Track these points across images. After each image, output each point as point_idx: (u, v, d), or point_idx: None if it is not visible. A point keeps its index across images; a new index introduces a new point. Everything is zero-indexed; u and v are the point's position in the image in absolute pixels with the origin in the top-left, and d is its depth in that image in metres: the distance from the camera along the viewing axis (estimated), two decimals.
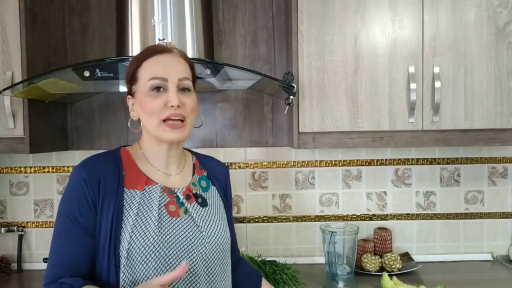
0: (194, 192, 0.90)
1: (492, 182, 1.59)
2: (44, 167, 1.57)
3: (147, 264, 0.77)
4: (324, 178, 1.59)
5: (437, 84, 1.25)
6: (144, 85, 0.82)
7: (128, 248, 0.77)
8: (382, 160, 1.59)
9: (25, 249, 1.56)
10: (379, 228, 1.55)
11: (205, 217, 0.87)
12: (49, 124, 1.43)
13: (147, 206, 0.82)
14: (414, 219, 1.59)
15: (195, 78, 0.89)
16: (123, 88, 1.39)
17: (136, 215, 0.80)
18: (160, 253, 0.78)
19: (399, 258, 1.43)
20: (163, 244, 0.79)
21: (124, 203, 0.80)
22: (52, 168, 1.58)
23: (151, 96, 0.82)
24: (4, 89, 1.15)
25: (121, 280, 0.77)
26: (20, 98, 1.26)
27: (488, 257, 1.57)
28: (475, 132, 1.29)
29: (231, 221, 1.00)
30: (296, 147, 1.30)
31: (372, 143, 1.30)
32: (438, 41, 1.27)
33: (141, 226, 0.79)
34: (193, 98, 0.86)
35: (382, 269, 1.42)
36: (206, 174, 0.96)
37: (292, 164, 1.58)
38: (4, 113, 1.25)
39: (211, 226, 0.87)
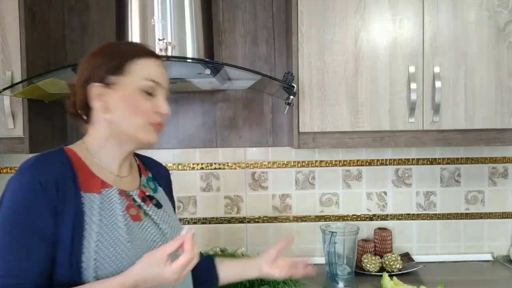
0: (147, 194, 0.85)
1: (492, 182, 1.59)
2: None
3: (118, 273, 0.70)
4: (324, 178, 1.58)
5: (438, 84, 1.25)
6: (135, 82, 0.77)
7: (96, 259, 0.69)
8: (382, 160, 1.59)
9: None
10: (379, 228, 1.55)
11: (164, 218, 0.84)
12: (49, 124, 1.43)
13: (110, 211, 0.75)
14: (415, 219, 1.59)
15: None
16: None
17: (99, 222, 0.72)
18: (133, 260, 0.71)
19: (399, 258, 1.43)
20: (135, 250, 0.73)
21: (84, 209, 0.72)
22: None
23: (143, 96, 0.77)
24: (4, 89, 1.15)
25: None
26: (20, 98, 1.26)
27: (489, 257, 1.57)
28: (476, 132, 1.29)
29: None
30: (296, 147, 1.30)
31: (373, 143, 1.30)
32: (439, 41, 1.26)
33: (108, 234, 0.72)
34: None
35: (382, 269, 1.41)
36: (151, 176, 0.92)
37: (292, 164, 1.58)
38: (4, 113, 1.25)
39: (171, 226, 0.84)
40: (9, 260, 0.68)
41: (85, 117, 0.81)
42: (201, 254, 0.99)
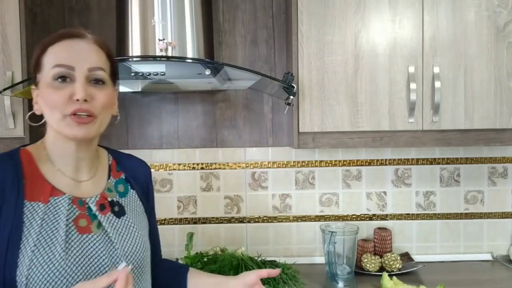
0: (109, 199, 0.78)
1: (492, 182, 1.59)
2: None
3: None
4: (324, 178, 1.59)
5: (437, 84, 1.25)
6: (47, 74, 0.70)
7: (28, 276, 0.64)
8: (382, 160, 1.59)
9: None
10: (379, 228, 1.55)
11: (121, 229, 0.76)
12: None
13: (52, 223, 0.69)
14: (414, 219, 1.59)
15: (114, 70, 0.78)
16: (122, 88, 1.40)
17: (38, 235, 0.66)
18: (68, 279, 0.66)
19: (399, 258, 1.43)
20: (71, 268, 0.67)
21: (24, 219, 0.67)
22: None
23: (54, 87, 0.69)
24: (4, 89, 1.14)
25: None
26: (20, 98, 1.26)
27: (488, 257, 1.57)
28: (475, 132, 1.29)
29: (154, 224, 0.91)
30: (296, 147, 1.30)
31: (372, 143, 1.30)
32: (438, 41, 1.27)
33: (44, 248, 0.66)
34: (106, 93, 0.73)
35: (382, 269, 1.42)
36: (124, 177, 0.84)
37: (292, 164, 1.58)
38: (4, 113, 1.25)
39: (127, 240, 0.76)
40: None
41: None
42: (177, 262, 0.94)
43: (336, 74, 1.28)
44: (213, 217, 1.59)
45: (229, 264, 1.30)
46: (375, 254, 1.49)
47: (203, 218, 1.59)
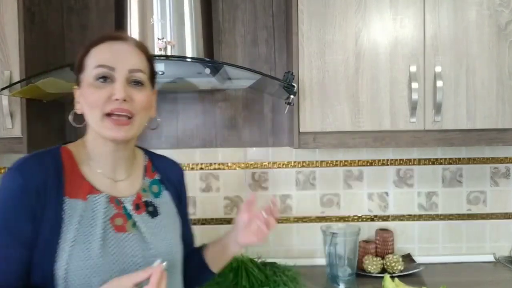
0: (144, 199, 0.80)
1: (494, 183, 1.58)
2: None
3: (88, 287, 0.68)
4: (325, 179, 1.57)
5: (439, 83, 1.24)
6: (89, 74, 0.72)
7: (66, 269, 0.67)
8: (383, 160, 1.58)
9: None
10: (380, 229, 1.54)
11: (155, 229, 0.78)
12: (47, 123, 1.42)
13: (90, 220, 0.71)
14: (416, 220, 1.58)
15: (153, 73, 0.80)
16: None
17: (76, 231, 0.69)
18: (103, 275, 0.68)
19: (400, 259, 1.42)
20: (107, 265, 0.69)
21: (64, 216, 0.69)
22: None
23: (95, 86, 0.71)
24: (2, 89, 1.14)
25: None
26: (18, 98, 1.25)
27: (491, 258, 1.56)
28: (477, 132, 1.28)
29: (189, 225, 0.93)
30: (296, 147, 1.29)
31: (374, 143, 1.29)
32: (440, 40, 1.26)
33: (81, 244, 0.69)
34: (146, 94, 0.75)
35: (383, 270, 1.40)
36: (158, 178, 0.86)
37: (292, 164, 1.57)
38: (2, 113, 1.24)
39: (160, 240, 0.78)
40: None
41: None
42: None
43: (337, 74, 1.27)
44: (213, 218, 1.58)
45: (229, 266, 1.28)
46: (376, 255, 1.48)
47: (203, 219, 1.57)
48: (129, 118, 0.72)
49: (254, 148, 1.57)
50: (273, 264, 1.38)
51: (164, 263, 0.66)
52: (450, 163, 1.58)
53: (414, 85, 1.24)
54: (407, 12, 1.26)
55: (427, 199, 1.58)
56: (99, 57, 0.73)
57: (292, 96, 1.17)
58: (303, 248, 1.57)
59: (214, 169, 1.57)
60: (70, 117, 0.79)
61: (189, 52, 1.27)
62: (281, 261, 1.42)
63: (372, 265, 1.40)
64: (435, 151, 1.58)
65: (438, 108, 1.25)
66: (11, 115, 1.24)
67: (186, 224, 0.90)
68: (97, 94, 0.71)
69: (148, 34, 1.25)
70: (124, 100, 0.71)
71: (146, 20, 1.24)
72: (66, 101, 1.55)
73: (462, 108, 1.26)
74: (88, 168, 0.76)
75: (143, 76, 0.75)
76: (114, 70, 0.72)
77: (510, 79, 1.26)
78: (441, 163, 1.58)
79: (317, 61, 1.27)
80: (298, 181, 1.58)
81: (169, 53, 1.21)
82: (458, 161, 1.58)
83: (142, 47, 0.78)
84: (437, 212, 1.58)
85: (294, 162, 1.57)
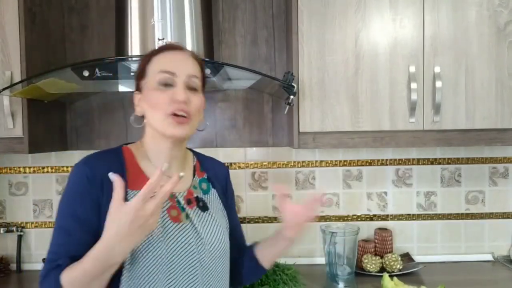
0: (195, 195, 0.87)
1: (493, 182, 1.59)
2: (43, 167, 1.57)
3: (150, 272, 0.75)
4: (324, 178, 1.58)
5: (438, 83, 1.24)
6: (152, 79, 0.81)
7: (132, 254, 0.74)
8: (382, 160, 1.59)
9: (24, 250, 1.56)
10: (379, 229, 1.54)
11: (205, 222, 0.85)
12: (48, 124, 1.42)
13: None
14: (415, 220, 1.59)
15: (204, 80, 0.89)
16: (122, 88, 1.39)
17: None
18: (164, 260, 0.76)
19: (399, 258, 1.42)
20: (167, 251, 0.76)
21: None
22: (51, 168, 1.57)
23: (159, 90, 0.80)
24: (3, 89, 1.14)
25: (121, 285, 0.74)
26: (19, 98, 1.25)
27: (489, 257, 1.56)
28: (476, 132, 1.29)
29: (236, 218, 1.01)
30: (296, 147, 1.29)
31: (373, 143, 1.29)
32: (439, 41, 1.26)
33: None
34: (200, 98, 0.85)
35: (382, 269, 1.41)
36: (206, 177, 0.94)
37: (292, 164, 1.58)
38: (3, 113, 1.24)
39: (211, 233, 0.84)
40: (55, 239, 0.77)
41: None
42: (248, 249, 0.98)
43: (336, 74, 1.27)
44: None
45: None
46: (375, 254, 1.49)
47: None
48: (187, 118, 0.81)
49: (254, 148, 1.58)
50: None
51: (181, 174, 0.71)
52: (449, 163, 1.59)
53: (414, 85, 1.24)
54: (406, 13, 1.27)
55: (426, 199, 1.59)
56: (161, 64, 0.82)
57: (292, 96, 1.18)
58: (303, 247, 1.58)
59: None
60: (132, 118, 0.86)
61: None
62: (280, 260, 1.43)
63: (371, 264, 1.41)
64: (434, 151, 1.58)
65: (437, 108, 1.25)
66: (12, 115, 1.25)
67: (235, 220, 0.98)
68: (161, 97, 0.80)
69: (148, 34, 1.25)
70: (184, 102, 0.79)
71: (147, 20, 1.25)
72: (67, 101, 1.56)
73: (461, 108, 1.27)
74: (146, 165, 0.83)
75: (198, 82, 0.84)
76: (175, 75, 0.81)
77: (509, 80, 1.27)
78: (440, 163, 1.59)
79: (317, 61, 1.27)
80: (298, 181, 1.58)
81: None
82: (457, 161, 1.59)
83: (196, 57, 0.87)
84: (436, 212, 1.59)
85: (294, 162, 1.58)
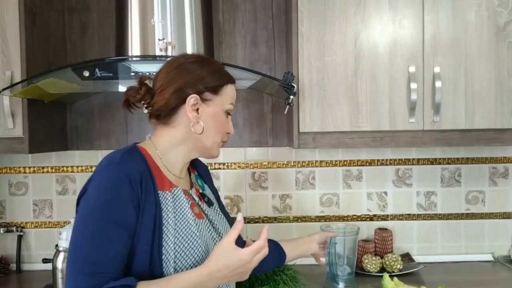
0: (200, 192, 0.92)
1: (493, 182, 1.59)
2: (43, 167, 1.57)
3: (192, 268, 0.77)
4: (324, 178, 1.58)
5: (438, 84, 1.25)
6: (224, 104, 0.87)
7: (175, 251, 0.76)
8: (382, 160, 1.59)
9: (24, 250, 1.56)
10: (379, 229, 1.54)
11: (215, 216, 0.91)
12: (49, 124, 1.43)
13: (181, 209, 0.81)
14: (415, 220, 1.59)
15: None
16: (122, 88, 1.39)
17: (174, 219, 0.78)
18: (203, 256, 0.79)
19: (399, 258, 1.42)
20: (204, 247, 0.80)
21: (162, 206, 0.78)
22: (52, 168, 1.57)
23: (224, 117, 0.88)
24: (4, 89, 1.14)
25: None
26: (20, 98, 1.26)
27: (489, 257, 1.56)
28: (476, 132, 1.29)
29: (225, 209, 1.04)
30: (296, 147, 1.29)
31: (373, 143, 1.29)
32: (439, 41, 1.26)
33: (182, 230, 0.79)
34: None
35: (382, 269, 1.41)
36: (197, 173, 0.99)
37: (292, 164, 1.58)
38: (3, 113, 1.25)
39: (222, 225, 0.91)
40: (95, 249, 0.71)
41: (164, 117, 0.84)
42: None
43: (336, 74, 1.28)
44: None
45: None
46: (375, 254, 1.49)
47: None
48: None
49: (254, 148, 1.58)
50: None
51: (241, 217, 0.76)
52: (449, 163, 1.59)
53: (413, 85, 1.24)
54: (406, 13, 1.27)
55: (426, 199, 1.59)
56: (232, 96, 0.90)
57: (292, 97, 1.18)
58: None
59: (215, 168, 1.57)
60: (193, 127, 0.85)
61: (189, 53, 1.27)
62: None
63: (371, 264, 1.41)
64: (434, 151, 1.59)
65: (437, 108, 1.25)
66: (13, 115, 1.25)
67: (226, 212, 1.01)
68: (226, 126, 0.89)
69: (148, 35, 1.25)
70: None
71: (147, 21, 1.25)
72: (67, 101, 1.56)
73: (460, 108, 1.27)
74: (161, 165, 0.84)
75: None
76: (233, 110, 0.91)
77: (509, 80, 1.27)
78: (440, 163, 1.59)
79: (316, 61, 1.28)
80: (298, 181, 1.58)
81: (169, 54, 1.22)
82: (456, 161, 1.59)
83: None
84: (436, 212, 1.59)
85: (294, 162, 1.58)
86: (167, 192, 0.80)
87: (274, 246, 1.14)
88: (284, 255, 1.15)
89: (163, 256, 0.75)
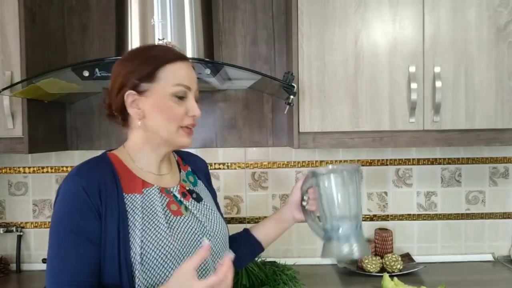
0: (187, 188, 0.90)
1: (493, 182, 1.59)
2: (43, 167, 1.57)
3: (164, 267, 0.76)
4: None
5: (438, 84, 1.24)
6: (166, 88, 0.80)
7: (142, 254, 0.75)
8: (382, 160, 1.59)
9: (23, 250, 1.56)
10: (379, 229, 1.54)
11: (204, 212, 0.88)
12: (48, 124, 1.43)
13: (151, 209, 0.80)
14: (415, 220, 1.59)
15: None
16: None
17: (142, 220, 0.78)
18: (176, 253, 0.78)
19: (400, 258, 1.42)
20: (177, 244, 0.79)
21: (127, 209, 0.78)
22: (51, 168, 1.57)
23: (173, 102, 0.80)
24: (3, 89, 1.14)
25: (136, 279, 0.75)
26: (19, 98, 1.26)
27: (489, 257, 1.56)
28: (476, 132, 1.29)
29: (220, 210, 1.03)
30: (296, 147, 1.29)
31: (373, 143, 1.29)
32: (439, 41, 1.26)
33: (151, 230, 0.77)
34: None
35: (383, 269, 1.41)
36: (190, 169, 0.97)
37: (292, 164, 1.58)
38: (3, 113, 1.25)
39: (211, 220, 0.88)
40: (60, 260, 0.73)
41: (122, 121, 0.84)
42: (234, 234, 1.05)
43: (336, 74, 1.27)
44: None
45: None
46: (376, 254, 1.49)
47: None
48: (192, 128, 0.85)
49: (254, 148, 1.58)
50: (273, 263, 1.39)
51: (208, 242, 0.76)
52: (449, 163, 1.59)
53: (413, 85, 1.24)
54: (406, 13, 1.27)
55: (426, 199, 1.59)
56: (178, 75, 0.81)
57: (292, 97, 1.18)
58: (303, 247, 1.58)
59: (215, 168, 1.57)
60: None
61: (189, 53, 1.27)
62: (280, 260, 1.43)
63: (371, 264, 1.41)
64: (434, 151, 1.59)
65: (437, 108, 1.25)
66: (12, 116, 1.25)
67: (220, 211, 0.99)
68: (177, 110, 0.80)
69: (148, 35, 1.25)
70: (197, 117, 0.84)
71: (147, 20, 1.25)
72: (67, 101, 1.56)
73: (461, 108, 1.27)
74: (135, 168, 0.84)
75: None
76: (190, 89, 0.82)
77: (509, 80, 1.27)
78: (440, 163, 1.59)
79: (316, 61, 1.27)
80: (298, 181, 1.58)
81: None
82: (457, 161, 1.59)
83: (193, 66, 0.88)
84: (436, 212, 1.59)
85: (294, 162, 1.58)
86: (136, 194, 0.80)
87: (246, 240, 1.02)
88: (258, 246, 1.02)
89: (132, 258, 0.75)
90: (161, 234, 0.77)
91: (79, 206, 0.74)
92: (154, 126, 0.81)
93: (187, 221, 0.83)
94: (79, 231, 0.74)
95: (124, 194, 0.79)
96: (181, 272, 0.69)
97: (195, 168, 0.98)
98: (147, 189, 0.82)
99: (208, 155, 1.57)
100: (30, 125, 1.27)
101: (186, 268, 0.69)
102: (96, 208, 0.75)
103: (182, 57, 0.83)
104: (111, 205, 0.76)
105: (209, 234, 0.85)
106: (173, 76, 0.80)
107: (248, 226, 1.57)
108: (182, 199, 0.86)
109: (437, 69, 1.26)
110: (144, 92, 0.80)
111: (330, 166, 0.87)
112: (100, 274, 0.75)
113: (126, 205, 0.78)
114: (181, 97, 0.81)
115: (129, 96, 0.80)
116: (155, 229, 0.78)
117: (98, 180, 0.76)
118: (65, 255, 0.73)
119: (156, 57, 0.81)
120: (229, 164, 1.57)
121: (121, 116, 0.83)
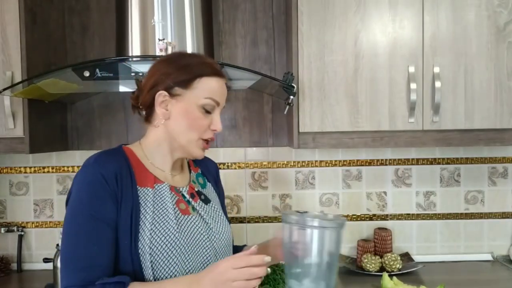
0: (196, 189, 0.92)
1: (492, 182, 1.59)
2: (44, 167, 1.57)
3: (169, 262, 0.78)
4: (324, 178, 1.58)
5: (437, 84, 1.25)
6: (197, 98, 0.83)
7: (150, 245, 0.77)
8: (382, 160, 1.59)
9: (24, 249, 1.56)
10: (379, 228, 1.55)
11: (211, 213, 0.90)
12: (49, 124, 1.43)
13: (162, 204, 0.82)
14: (414, 219, 1.59)
15: None
16: (123, 88, 1.39)
17: (153, 213, 0.80)
18: (181, 250, 0.80)
19: (399, 258, 1.43)
20: (184, 241, 0.81)
21: (140, 201, 0.80)
22: (52, 168, 1.57)
23: (201, 113, 0.83)
24: (4, 89, 1.15)
25: (144, 272, 0.77)
26: (20, 98, 1.26)
27: (488, 257, 1.57)
28: (475, 132, 1.29)
29: (227, 216, 1.03)
30: (296, 147, 1.30)
31: (372, 143, 1.30)
32: (438, 41, 1.27)
33: (160, 225, 0.80)
34: None
35: (382, 269, 1.42)
36: (200, 171, 0.99)
37: (292, 164, 1.58)
38: (4, 113, 1.25)
39: (217, 222, 0.90)
40: (80, 245, 0.75)
41: (146, 115, 0.87)
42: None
43: (336, 74, 1.28)
44: None
45: None
46: (375, 254, 1.49)
47: None
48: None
49: (254, 148, 1.58)
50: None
51: (255, 247, 0.74)
52: (448, 163, 1.59)
53: (413, 85, 1.25)
54: (406, 13, 1.27)
55: (425, 199, 1.59)
56: (212, 90, 0.84)
57: (291, 97, 1.18)
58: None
59: None
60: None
61: None
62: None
63: (370, 263, 1.41)
64: (433, 151, 1.59)
65: (436, 108, 1.26)
66: (13, 116, 1.25)
67: (226, 214, 1.01)
68: (202, 121, 0.84)
69: (149, 35, 1.25)
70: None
71: (147, 21, 1.25)
72: (67, 102, 1.56)
73: (460, 109, 1.27)
74: (148, 164, 0.86)
75: None
76: (218, 104, 0.85)
77: (509, 80, 1.27)
78: (439, 163, 1.59)
79: (316, 61, 1.28)
80: (298, 181, 1.59)
81: None
82: (456, 161, 1.59)
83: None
84: (435, 212, 1.59)
85: (294, 162, 1.58)
86: (148, 188, 0.82)
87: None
88: None
89: (140, 250, 0.77)
90: (169, 230, 0.80)
91: (99, 192, 0.76)
92: (175, 130, 0.84)
93: (194, 221, 0.86)
94: (99, 217, 0.76)
95: (137, 187, 0.81)
96: (217, 268, 0.71)
97: (206, 170, 1.00)
98: (158, 185, 0.84)
99: (208, 155, 1.57)
100: (31, 125, 1.28)
101: (224, 266, 0.70)
102: (114, 195, 0.77)
103: (219, 74, 0.86)
104: (126, 194, 0.79)
105: (214, 236, 0.87)
106: (207, 89, 0.83)
107: (248, 226, 1.59)
108: (190, 199, 0.88)
109: (436, 69, 1.26)
110: (176, 96, 0.83)
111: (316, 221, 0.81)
112: (116, 260, 0.77)
113: (139, 198, 0.80)
114: (208, 111, 0.84)
115: (161, 95, 0.83)
116: (164, 224, 0.80)
117: (115, 168, 0.79)
118: (83, 241, 0.75)
119: (196, 67, 0.84)
120: (229, 164, 1.58)
121: (147, 111, 0.86)
